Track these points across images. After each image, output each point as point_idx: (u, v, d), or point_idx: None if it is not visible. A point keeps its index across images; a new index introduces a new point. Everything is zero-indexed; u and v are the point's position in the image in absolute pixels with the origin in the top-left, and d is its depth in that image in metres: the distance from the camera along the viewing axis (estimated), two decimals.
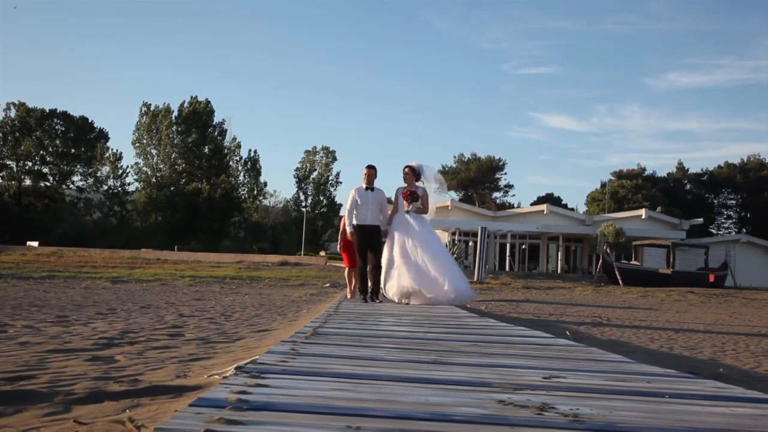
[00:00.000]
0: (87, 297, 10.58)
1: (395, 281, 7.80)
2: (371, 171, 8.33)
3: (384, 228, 8.20)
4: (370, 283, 8.16)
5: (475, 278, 26.18)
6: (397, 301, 7.83)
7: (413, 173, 8.25)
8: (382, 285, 7.99)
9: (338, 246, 9.83)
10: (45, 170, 57.14)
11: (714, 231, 56.32)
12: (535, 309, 13.66)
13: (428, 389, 1.99)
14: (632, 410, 1.82)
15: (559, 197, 60.53)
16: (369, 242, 8.13)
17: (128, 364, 3.13)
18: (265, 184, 60.13)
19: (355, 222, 8.25)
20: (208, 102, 56.52)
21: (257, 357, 2.46)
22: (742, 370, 4.31)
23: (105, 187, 56.64)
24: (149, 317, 6.55)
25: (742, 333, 8.34)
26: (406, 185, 8.22)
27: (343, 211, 9.70)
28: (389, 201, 8.88)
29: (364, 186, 8.31)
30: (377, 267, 8.00)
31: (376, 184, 8.40)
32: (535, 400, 1.88)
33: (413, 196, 8.11)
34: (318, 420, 1.42)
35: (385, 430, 1.38)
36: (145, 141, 55.56)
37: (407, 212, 8.10)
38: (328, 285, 20.65)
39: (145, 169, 55.61)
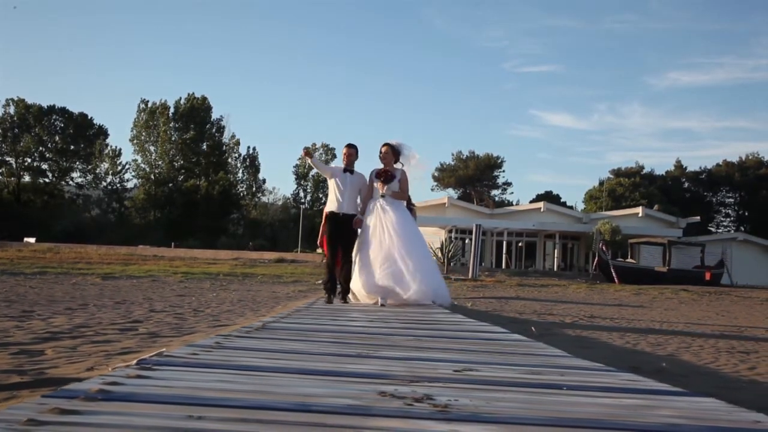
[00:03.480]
0: (68, 293, 10.59)
1: (366, 278, 6.83)
2: (352, 150, 7.24)
3: (357, 217, 7.11)
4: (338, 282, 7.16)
5: (470, 275, 26.18)
6: (368, 300, 6.92)
7: (393, 152, 7.18)
8: (351, 284, 7.07)
9: (318, 239, 8.29)
10: (44, 167, 57.25)
11: (713, 229, 56.23)
12: (521, 306, 13.64)
13: (319, 381, 2.00)
14: (512, 401, 1.82)
15: (558, 195, 60.50)
16: (341, 234, 7.09)
17: (52, 357, 3.14)
18: (264, 181, 60.28)
19: (327, 209, 7.23)
20: (205, 98, 56.57)
21: (164, 350, 2.46)
22: (690, 365, 4.31)
23: (104, 184, 56.76)
24: (117, 312, 6.56)
25: (717, 331, 8.33)
26: (382, 167, 7.16)
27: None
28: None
29: (343, 167, 7.22)
30: (347, 264, 7.04)
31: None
32: (421, 391, 1.88)
33: (387, 175, 7.03)
34: (163, 410, 1.42)
35: (227, 419, 1.39)
36: (143, 137, 55.65)
37: (382, 197, 7.04)
38: (320, 282, 20.63)
39: (143, 165, 55.74)
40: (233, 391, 1.71)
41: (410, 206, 9.07)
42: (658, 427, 1.58)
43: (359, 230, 7.16)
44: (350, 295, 7.15)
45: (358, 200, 7.32)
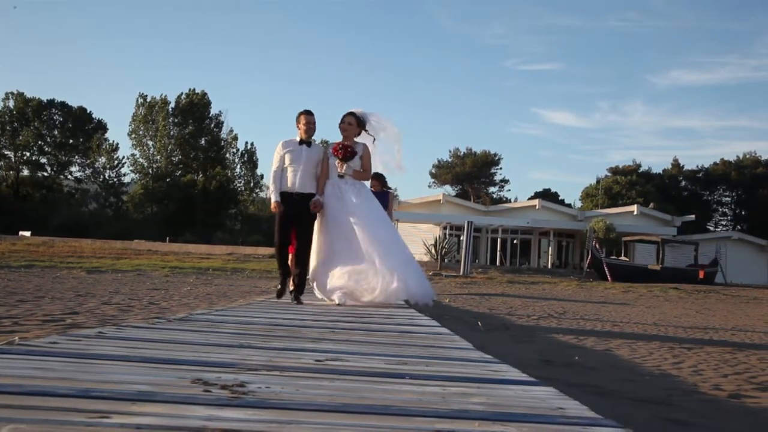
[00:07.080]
0: (41, 286, 10.61)
1: (322, 275, 5.89)
2: (312, 119, 6.10)
3: (317, 198, 5.98)
4: (293, 276, 6.09)
5: (462, 272, 26.20)
6: (328, 300, 5.91)
7: (357, 124, 6.16)
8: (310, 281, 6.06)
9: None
10: (43, 160, 57.36)
11: (711, 228, 56.10)
12: (501, 303, 13.64)
13: (146, 368, 1.99)
14: (328, 389, 1.81)
15: (556, 193, 60.41)
16: (297, 218, 5.99)
17: None
18: (262, 176, 60.25)
19: (281, 187, 6.06)
20: (204, 94, 56.57)
21: (16, 338, 2.46)
22: (613, 359, 4.29)
23: (102, 178, 56.87)
24: (66, 304, 6.57)
25: (681, 329, 8.31)
26: (340, 141, 6.13)
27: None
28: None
29: (298, 139, 6.10)
30: (303, 254, 5.99)
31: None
32: (242, 379, 1.87)
33: (348, 152, 5.98)
34: None
35: None
36: (141, 132, 55.76)
37: (341, 177, 6.01)
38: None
39: (141, 160, 55.84)
40: (31, 377, 1.70)
41: (387, 189, 8.09)
42: (449, 413, 1.57)
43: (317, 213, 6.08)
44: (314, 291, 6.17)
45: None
